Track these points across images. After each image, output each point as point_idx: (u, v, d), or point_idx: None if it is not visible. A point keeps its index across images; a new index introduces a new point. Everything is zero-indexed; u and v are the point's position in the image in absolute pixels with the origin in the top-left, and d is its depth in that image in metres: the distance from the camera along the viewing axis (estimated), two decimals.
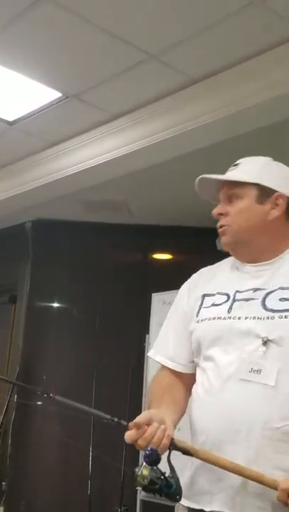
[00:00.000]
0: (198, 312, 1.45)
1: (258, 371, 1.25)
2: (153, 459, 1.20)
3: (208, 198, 1.51)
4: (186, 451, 1.26)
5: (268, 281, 1.37)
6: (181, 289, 1.59)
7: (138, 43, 2.46)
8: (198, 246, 4.21)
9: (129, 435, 1.24)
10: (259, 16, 2.22)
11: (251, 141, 2.82)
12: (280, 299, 1.31)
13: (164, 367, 1.52)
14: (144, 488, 1.21)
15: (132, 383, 3.91)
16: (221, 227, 1.45)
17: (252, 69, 2.47)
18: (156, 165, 3.29)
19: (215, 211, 1.46)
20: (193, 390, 1.43)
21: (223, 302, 1.40)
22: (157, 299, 3.87)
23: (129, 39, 2.44)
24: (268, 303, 1.32)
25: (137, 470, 1.21)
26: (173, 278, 4.06)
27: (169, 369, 1.51)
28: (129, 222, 4.37)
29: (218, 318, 1.38)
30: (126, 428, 1.26)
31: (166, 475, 1.21)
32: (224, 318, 1.36)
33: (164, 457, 1.25)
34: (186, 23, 2.31)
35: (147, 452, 1.21)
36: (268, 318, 1.29)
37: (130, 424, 1.24)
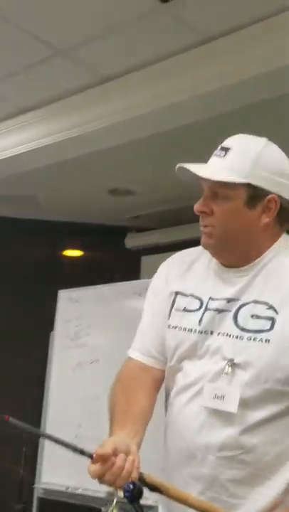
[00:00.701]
0: (170, 313, 1.36)
1: (222, 397, 1.20)
2: (136, 494, 1.04)
3: (188, 179, 1.32)
4: (154, 488, 1.10)
5: (243, 290, 1.27)
6: (159, 272, 1.44)
7: (47, 38, 2.44)
8: (107, 244, 4.24)
9: (94, 471, 1.08)
10: (167, 20, 2.26)
11: (155, 143, 2.89)
12: (251, 316, 1.24)
13: (131, 360, 1.39)
14: None
15: (36, 381, 3.87)
16: (205, 226, 1.30)
17: (156, 73, 2.52)
18: (65, 161, 3.28)
19: (197, 208, 1.29)
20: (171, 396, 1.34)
21: (196, 310, 1.31)
22: (64, 296, 3.85)
23: (38, 34, 2.41)
24: (240, 319, 1.24)
25: (103, 510, 1.08)
26: (81, 275, 4.12)
27: (138, 363, 1.38)
28: (38, 218, 4.31)
29: (190, 330, 1.29)
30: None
31: None
32: (195, 332, 1.28)
33: None
34: (96, 20, 2.32)
35: (129, 487, 1.04)
36: (237, 337, 1.23)
37: (95, 456, 1.08)
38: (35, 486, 3.49)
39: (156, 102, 2.65)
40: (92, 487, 2.75)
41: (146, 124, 2.79)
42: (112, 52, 2.53)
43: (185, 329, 1.30)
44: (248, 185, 1.25)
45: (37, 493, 3.54)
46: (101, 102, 2.87)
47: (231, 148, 1.28)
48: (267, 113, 2.61)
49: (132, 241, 4.30)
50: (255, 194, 1.26)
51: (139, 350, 1.39)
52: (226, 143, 1.31)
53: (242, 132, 1.34)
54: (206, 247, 1.33)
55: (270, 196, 1.26)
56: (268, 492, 1.18)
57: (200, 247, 1.37)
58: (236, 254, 1.30)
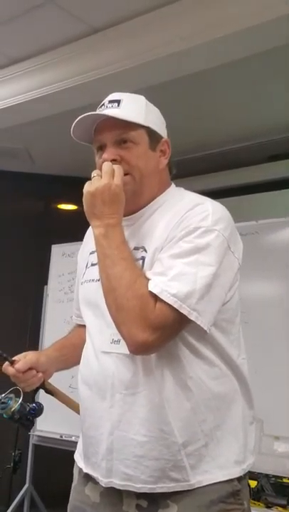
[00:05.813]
0: (84, 272, 1.41)
1: (118, 341, 1.23)
2: (37, 412, 1.46)
3: (84, 140, 1.35)
4: (50, 392, 1.50)
5: (128, 238, 1.27)
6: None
7: None
8: None
9: (11, 373, 1.39)
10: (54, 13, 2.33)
11: None
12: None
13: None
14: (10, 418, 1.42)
15: (30, 335, 3.93)
16: None
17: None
18: (58, 114, 3.22)
19: (109, 156, 1.28)
20: None
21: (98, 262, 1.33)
22: (57, 250, 3.86)
23: None
24: None
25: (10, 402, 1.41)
26: (74, 229, 4.02)
27: (75, 324, 1.57)
28: (30, 171, 4.27)
29: (92, 280, 1.34)
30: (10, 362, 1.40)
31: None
32: (96, 281, 1.30)
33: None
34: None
35: (34, 406, 1.45)
36: None
37: (15, 364, 1.39)
38: (31, 433, 3.60)
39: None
40: None
41: (142, 75, 2.74)
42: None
43: (90, 280, 1.36)
44: (147, 129, 1.31)
45: (32, 441, 3.66)
46: (95, 52, 2.80)
47: (122, 100, 1.31)
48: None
49: None
50: (153, 137, 1.32)
51: (74, 314, 1.58)
52: (113, 97, 1.33)
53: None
54: None
55: (164, 139, 1.34)
56: (168, 429, 1.20)
57: None
58: (138, 200, 1.31)
